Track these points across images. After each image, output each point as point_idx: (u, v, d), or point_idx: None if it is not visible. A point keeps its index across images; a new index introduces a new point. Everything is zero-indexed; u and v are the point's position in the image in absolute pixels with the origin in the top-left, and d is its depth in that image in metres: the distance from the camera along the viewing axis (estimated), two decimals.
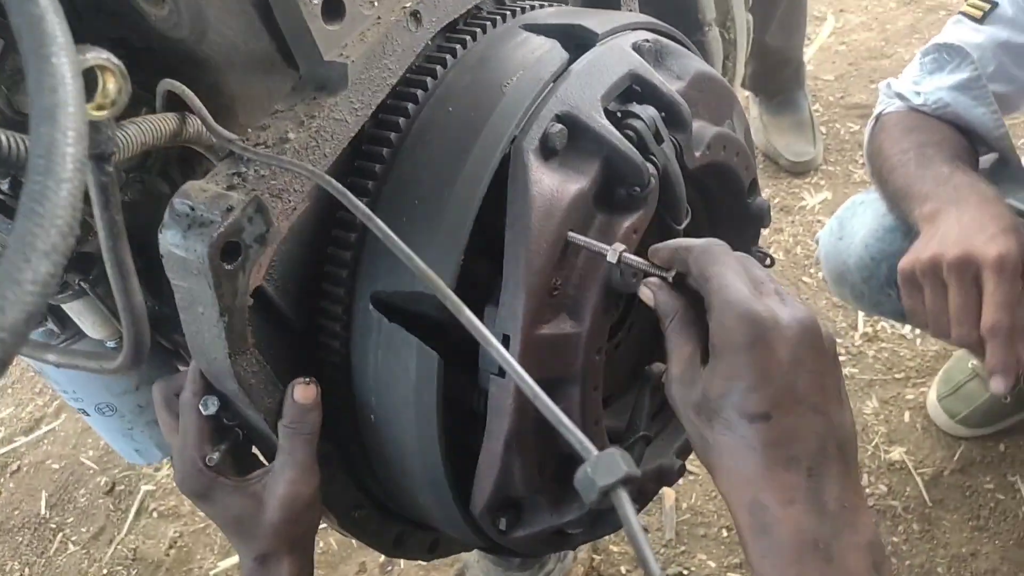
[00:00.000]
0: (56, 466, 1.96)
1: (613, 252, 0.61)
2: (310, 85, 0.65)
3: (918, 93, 1.13)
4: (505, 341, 0.62)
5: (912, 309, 0.95)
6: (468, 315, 0.42)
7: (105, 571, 1.71)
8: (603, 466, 0.37)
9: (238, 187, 0.59)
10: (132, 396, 0.87)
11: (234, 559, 1.66)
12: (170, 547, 1.73)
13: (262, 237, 0.60)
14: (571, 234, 0.63)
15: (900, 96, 1.16)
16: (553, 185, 0.62)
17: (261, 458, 0.70)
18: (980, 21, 1.11)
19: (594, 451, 0.38)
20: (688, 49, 0.80)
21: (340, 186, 0.51)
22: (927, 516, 1.43)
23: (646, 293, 0.61)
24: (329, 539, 1.64)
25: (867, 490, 1.49)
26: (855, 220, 1.21)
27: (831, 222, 1.27)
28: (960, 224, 0.91)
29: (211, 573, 1.66)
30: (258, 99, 0.69)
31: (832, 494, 0.51)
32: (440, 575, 1.56)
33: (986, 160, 1.14)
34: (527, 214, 0.61)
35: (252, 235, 0.59)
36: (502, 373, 0.63)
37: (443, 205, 0.63)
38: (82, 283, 0.73)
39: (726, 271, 0.55)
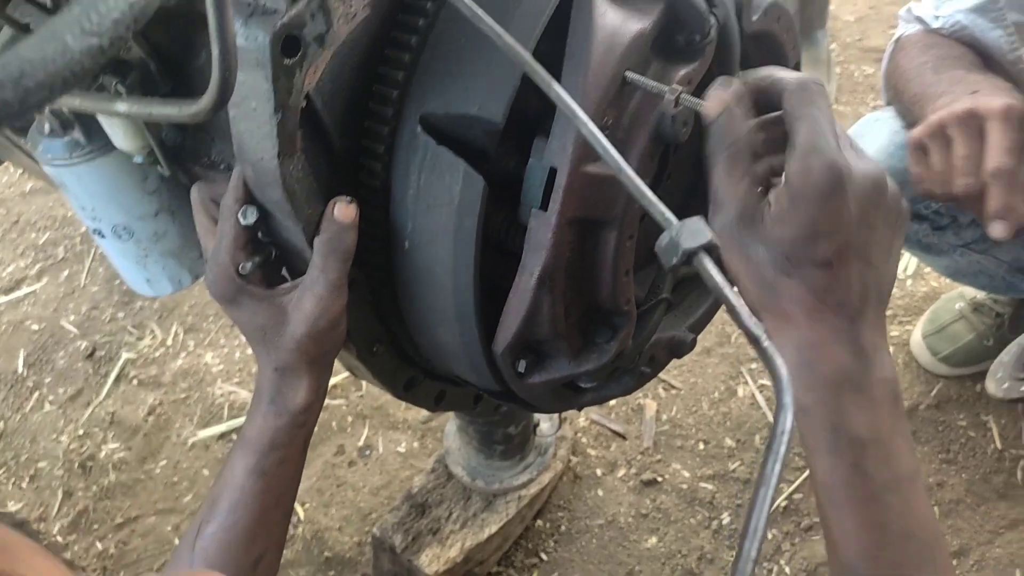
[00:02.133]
0: (36, 327, 1.95)
1: (672, 92, 0.60)
2: None
3: (936, 16, 1.14)
4: (552, 174, 0.62)
5: (919, 176, 0.96)
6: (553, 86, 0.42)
7: (81, 431, 1.71)
8: (688, 232, 0.37)
9: None
10: (151, 222, 0.86)
11: (213, 429, 1.67)
12: (148, 414, 1.73)
13: (321, 37, 0.59)
14: (629, 73, 0.62)
15: (919, 19, 1.17)
16: (616, 20, 0.62)
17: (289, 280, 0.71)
18: None
19: (675, 220, 0.38)
20: None
21: None
22: None
23: (712, 106, 0.57)
24: None
25: None
26: (867, 138, 1.22)
27: None
28: (964, 88, 0.93)
29: (190, 440, 1.67)
30: None
31: (867, 337, 0.55)
32: (418, 462, 1.59)
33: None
34: (587, 45, 0.60)
35: (312, 32, 0.58)
36: (544, 206, 0.63)
37: (504, 28, 0.62)
38: (119, 87, 0.71)
39: (820, 115, 0.54)
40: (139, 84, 0.74)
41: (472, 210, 0.63)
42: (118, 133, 0.76)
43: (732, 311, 0.36)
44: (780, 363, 0.33)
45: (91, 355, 1.86)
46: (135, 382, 1.80)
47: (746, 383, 1.61)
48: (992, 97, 0.89)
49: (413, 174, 0.65)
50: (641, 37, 0.63)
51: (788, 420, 0.30)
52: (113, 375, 1.81)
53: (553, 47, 0.63)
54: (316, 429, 1.65)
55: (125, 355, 1.85)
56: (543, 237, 0.63)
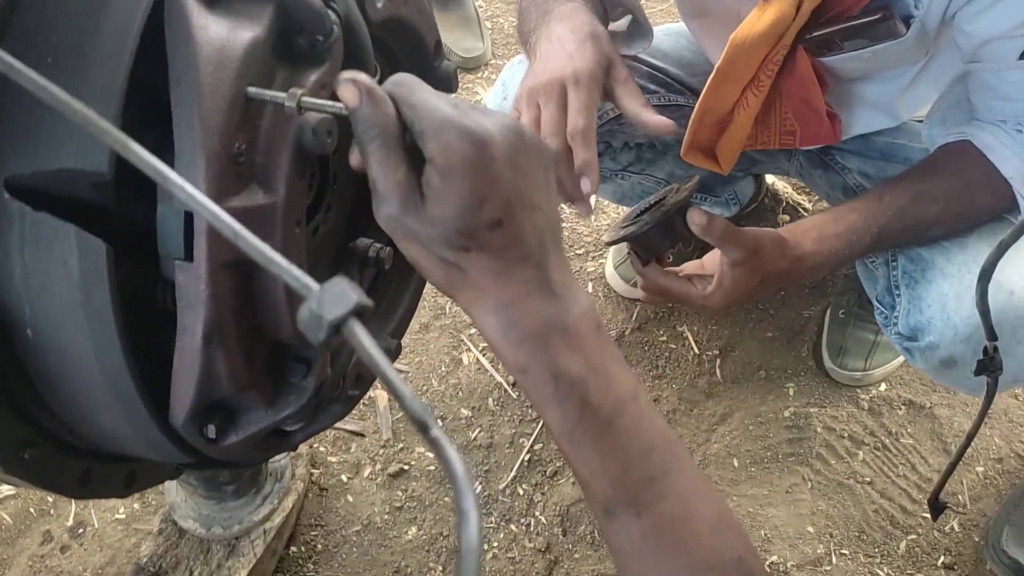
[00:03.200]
0: None
1: (291, 97, 0.54)
2: None
3: None
4: (189, 219, 0.54)
5: None
6: (147, 157, 0.34)
7: None
8: (330, 298, 0.32)
9: None
10: None
11: None
12: None
13: None
14: (251, 89, 0.55)
15: None
16: (222, 33, 0.54)
17: None
18: None
19: (315, 285, 0.33)
20: None
21: None
22: None
23: (349, 94, 0.53)
24: (0, 512, 1.41)
25: None
26: (514, 79, 1.25)
27: (496, 86, 1.31)
28: (548, 47, 0.98)
29: None
30: None
31: (556, 278, 0.56)
32: (142, 525, 1.42)
33: (622, 24, 1.23)
34: (195, 67, 0.52)
35: None
36: (189, 257, 0.54)
37: (87, 61, 0.52)
38: None
39: (429, 95, 0.53)
40: None
41: (99, 280, 0.53)
42: None
43: (393, 390, 0.31)
44: (454, 455, 0.29)
45: None
46: None
47: (469, 350, 1.62)
48: (565, 66, 0.94)
49: (14, 251, 0.53)
50: (255, 46, 0.55)
51: (474, 532, 0.26)
52: None
53: (155, 69, 0.54)
54: (12, 522, 1.42)
55: None
56: (196, 291, 0.55)
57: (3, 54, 0.42)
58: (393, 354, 0.79)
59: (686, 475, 0.58)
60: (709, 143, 1.08)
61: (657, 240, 1.02)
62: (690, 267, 1.08)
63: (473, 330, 1.65)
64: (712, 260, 1.04)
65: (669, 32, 1.31)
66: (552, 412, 0.56)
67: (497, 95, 1.28)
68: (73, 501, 1.46)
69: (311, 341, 0.32)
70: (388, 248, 0.73)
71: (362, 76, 0.53)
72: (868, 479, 1.43)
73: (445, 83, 0.81)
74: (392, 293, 0.84)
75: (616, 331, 1.63)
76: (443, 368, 1.60)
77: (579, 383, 0.55)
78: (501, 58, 2.16)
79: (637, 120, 0.96)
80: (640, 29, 1.14)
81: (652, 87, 1.24)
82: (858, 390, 1.53)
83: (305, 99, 0.55)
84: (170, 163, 0.54)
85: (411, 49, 0.76)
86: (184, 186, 0.33)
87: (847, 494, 1.42)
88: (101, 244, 0.52)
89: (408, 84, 0.54)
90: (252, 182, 0.57)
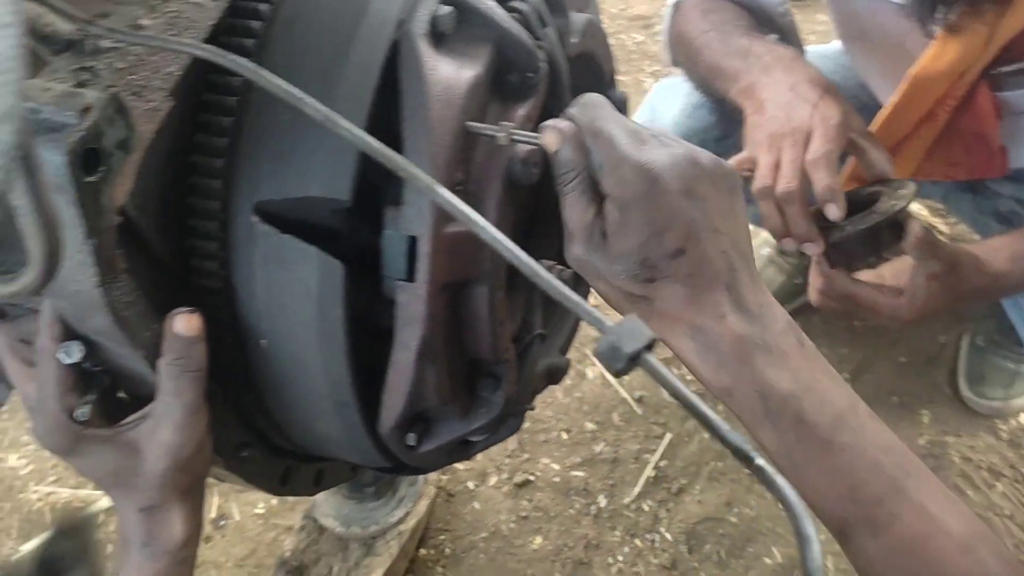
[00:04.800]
0: None
1: (503, 131, 0.58)
2: None
3: None
4: (413, 243, 0.58)
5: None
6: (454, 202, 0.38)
7: None
8: (626, 333, 0.35)
9: (90, 83, 0.49)
10: None
11: (38, 540, 1.48)
12: None
13: (124, 143, 0.51)
14: (470, 123, 0.59)
15: None
16: (449, 73, 0.58)
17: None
18: None
19: (609, 322, 0.36)
20: None
21: (258, 69, 0.44)
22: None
23: (551, 139, 0.57)
24: None
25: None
26: (664, 103, 1.26)
27: (642, 108, 1.32)
28: (781, 95, 0.98)
29: (13, 558, 1.47)
30: None
31: (749, 298, 0.56)
32: (282, 520, 1.49)
33: (770, 40, 1.23)
34: (426, 105, 0.56)
35: (114, 140, 0.50)
36: (411, 277, 0.59)
37: (331, 101, 0.56)
38: None
39: (613, 126, 0.56)
40: None
41: (334, 298, 0.58)
42: None
43: (706, 422, 0.34)
44: (783, 483, 0.31)
45: None
46: None
47: (593, 364, 1.64)
48: (813, 114, 0.94)
49: (258, 269, 0.58)
50: (477, 85, 0.59)
51: (817, 555, 0.29)
52: None
53: (387, 106, 0.58)
54: None
55: None
56: (416, 310, 0.59)
57: (289, 86, 0.46)
58: (563, 372, 0.82)
59: (923, 490, 0.55)
60: None
61: (858, 249, 0.96)
62: (866, 277, 1.06)
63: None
64: (896, 271, 1.01)
65: (816, 54, 1.31)
66: (766, 433, 0.55)
67: (643, 118, 1.30)
68: (215, 492, 1.54)
69: (608, 370, 0.36)
70: (569, 270, 0.76)
71: (563, 124, 0.58)
72: (1008, 512, 1.39)
73: (619, 110, 0.84)
74: (562, 310, 0.87)
75: None
76: (568, 381, 1.63)
77: (791, 400, 0.54)
78: (624, 73, 2.18)
79: (883, 172, 0.97)
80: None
81: None
82: (997, 420, 1.49)
83: (517, 132, 0.59)
84: (395, 189, 0.59)
85: (592, 78, 0.79)
86: (487, 228, 0.37)
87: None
88: (339, 266, 0.57)
89: (595, 107, 0.57)
90: None
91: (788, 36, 1.19)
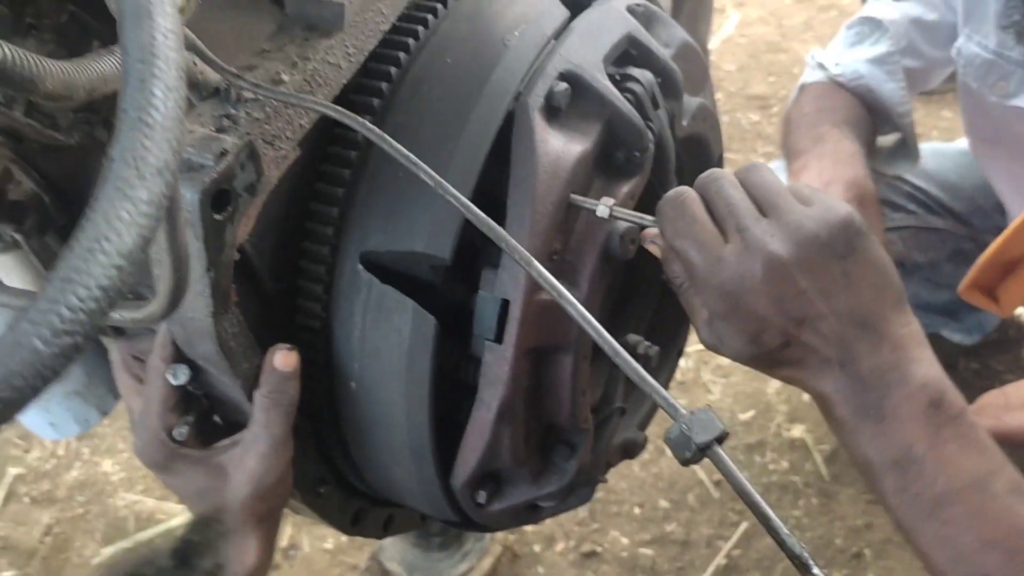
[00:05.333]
0: None
1: (604, 207, 0.59)
2: (299, 25, 0.60)
3: (837, 64, 1.19)
4: (504, 306, 0.60)
5: None
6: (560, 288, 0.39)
7: None
8: (699, 424, 0.35)
9: (229, 130, 0.54)
10: None
11: (119, 546, 1.55)
12: (44, 534, 1.58)
13: (252, 186, 0.55)
14: (573, 196, 0.61)
15: (821, 66, 1.21)
16: (558, 146, 0.60)
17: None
18: None
19: (683, 410, 0.36)
20: None
21: (380, 132, 0.47)
22: (825, 491, 1.51)
23: (655, 249, 0.62)
24: None
25: (770, 466, 1.56)
26: None
27: None
28: (813, 184, 0.96)
29: (93, 561, 1.54)
30: (236, 37, 0.63)
31: (866, 365, 0.56)
32: (348, 558, 1.51)
33: (889, 139, 1.22)
34: (533, 175, 0.59)
35: (243, 183, 0.54)
36: (498, 339, 0.60)
37: (445, 161, 0.59)
38: (14, 234, 0.65)
39: (688, 245, 0.58)
40: (36, 227, 0.68)
41: (424, 350, 0.60)
42: (16, 281, 0.69)
43: (767, 523, 0.34)
44: None
45: None
46: (26, 500, 1.65)
47: None
48: None
49: (357, 314, 0.61)
50: (584, 160, 0.61)
51: None
52: (2, 495, 1.66)
53: (497, 172, 0.61)
54: None
55: (12, 471, 1.69)
56: (500, 371, 0.61)
57: (404, 150, 0.49)
58: (640, 447, 0.82)
59: None
60: (992, 283, 1.04)
61: None
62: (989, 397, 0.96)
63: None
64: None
65: (935, 151, 1.28)
66: (877, 488, 0.57)
67: None
68: (289, 522, 1.57)
69: (676, 457, 0.36)
70: (656, 348, 0.77)
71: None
72: None
73: None
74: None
75: (830, 447, 1.57)
76: (646, 455, 1.60)
77: (894, 468, 0.55)
78: (736, 152, 2.18)
79: None
80: (906, 150, 1.13)
81: (911, 207, 1.22)
82: None
83: (616, 209, 0.60)
84: (494, 252, 0.61)
85: (700, 160, 0.80)
86: (580, 310, 0.38)
87: None
88: (432, 320, 0.59)
89: (672, 216, 0.59)
90: (561, 278, 0.63)
91: (906, 135, 1.18)
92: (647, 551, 1.46)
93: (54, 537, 1.59)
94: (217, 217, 0.52)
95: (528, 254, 0.42)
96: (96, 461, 1.71)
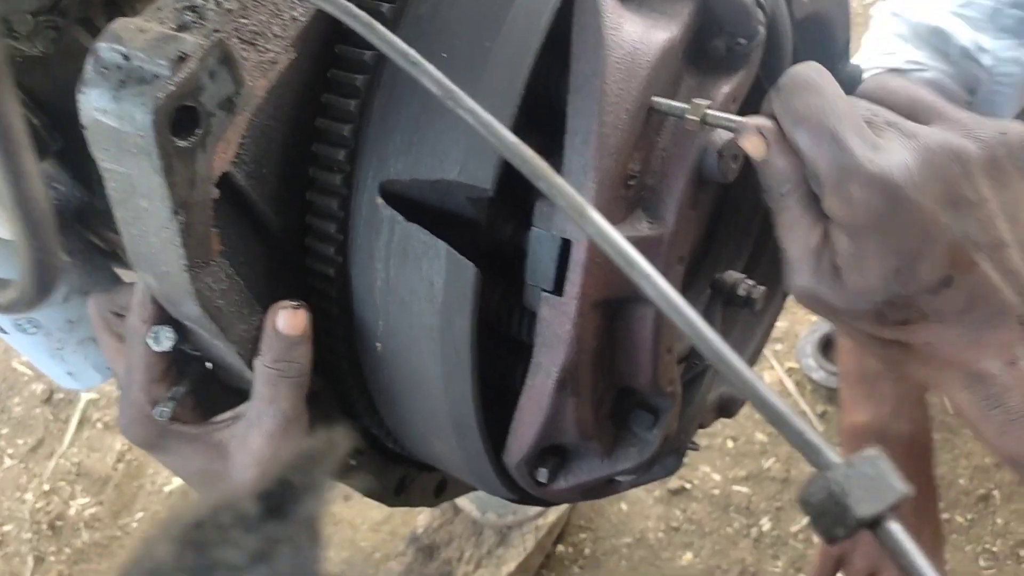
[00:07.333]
0: None
1: (695, 109, 0.44)
2: None
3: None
4: (565, 247, 0.46)
5: None
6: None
7: (47, 486, 1.56)
8: (863, 483, 0.21)
9: (193, 26, 0.41)
10: (60, 310, 0.70)
11: None
12: (118, 461, 1.58)
13: (229, 101, 0.42)
14: (656, 99, 0.46)
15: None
16: (635, 34, 0.45)
17: None
18: None
19: (835, 456, 0.22)
20: None
21: (383, 30, 0.33)
22: (947, 424, 1.34)
23: (754, 145, 0.44)
24: None
25: None
26: None
27: None
28: None
29: (165, 489, 1.52)
30: None
31: None
32: None
33: None
34: (601, 73, 0.44)
35: (215, 98, 0.41)
36: (558, 289, 0.47)
37: (483, 60, 0.45)
38: None
39: (815, 126, 0.42)
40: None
41: (463, 306, 0.47)
42: None
43: None
44: None
45: (48, 399, 1.70)
46: (99, 425, 1.64)
47: (771, 367, 1.47)
48: None
49: (379, 260, 0.49)
50: (670, 50, 0.46)
51: None
52: (75, 420, 1.65)
53: (555, 70, 0.46)
54: None
55: (85, 396, 1.68)
56: (560, 329, 0.47)
57: (403, 46, 0.36)
58: (739, 404, 0.68)
59: None
60: None
61: None
62: None
63: (779, 345, 1.49)
64: None
65: None
66: None
67: None
68: None
69: (819, 532, 0.22)
70: (760, 288, 0.62)
71: (766, 122, 0.44)
72: None
73: (849, 89, 0.67)
74: (743, 324, 0.73)
75: None
76: None
77: None
78: None
79: None
80: None
81: None
82: None
83: (711, 113, 0.45)
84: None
85: (819, 48, 0.63)
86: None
87: None
88: (471, 269, 0.46)
89: (799, 93, 0.43)
90: (638, 208, 0.49)
91: None
92: (742, 488, 1.34)
93: (127, 464, 1.57)
94: (181, 144, 0.40)
95: (583, 201, 0.28)
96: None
